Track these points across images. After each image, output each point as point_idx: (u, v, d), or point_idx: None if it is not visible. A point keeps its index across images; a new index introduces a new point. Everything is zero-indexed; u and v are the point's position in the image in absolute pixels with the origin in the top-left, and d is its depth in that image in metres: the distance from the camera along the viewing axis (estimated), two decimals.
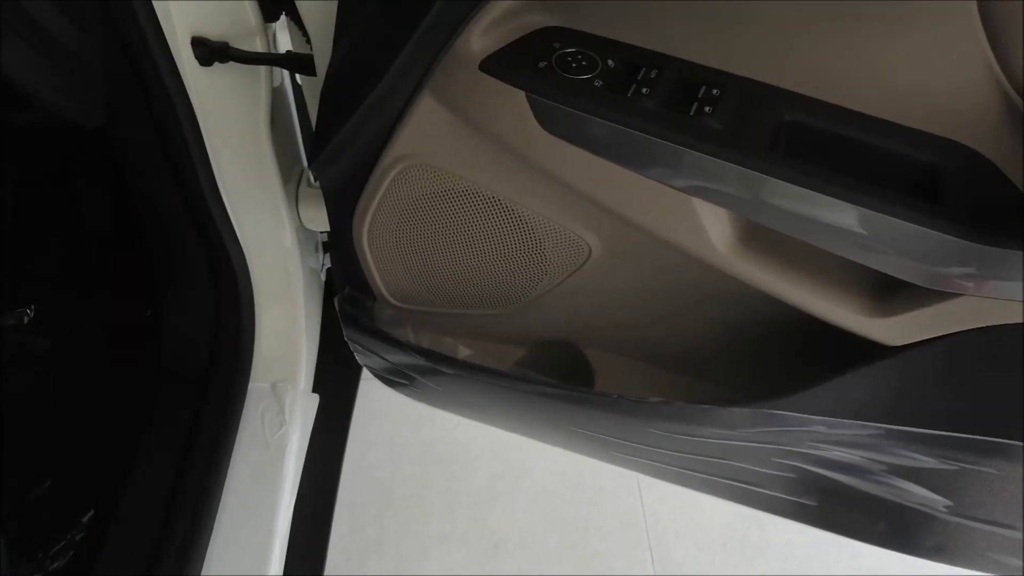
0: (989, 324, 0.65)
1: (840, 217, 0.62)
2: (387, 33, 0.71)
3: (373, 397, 1.83)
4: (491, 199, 0.80)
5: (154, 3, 0.84)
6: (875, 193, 0.61)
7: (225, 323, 1.18)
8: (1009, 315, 0.64)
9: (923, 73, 0.63)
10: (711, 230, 0.69)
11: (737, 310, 0.83)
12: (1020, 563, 0.83)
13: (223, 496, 1.04)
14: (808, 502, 0.86)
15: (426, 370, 0.95)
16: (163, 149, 1.00)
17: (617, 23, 0.71)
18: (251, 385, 1.15)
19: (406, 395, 1.08)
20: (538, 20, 0.72)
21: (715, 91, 0.67)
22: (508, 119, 0.70)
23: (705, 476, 0.89)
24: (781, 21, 0.65)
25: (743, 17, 0.66)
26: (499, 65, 0.69)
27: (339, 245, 0.93)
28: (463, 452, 1.78)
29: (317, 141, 0.81)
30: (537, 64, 0.69)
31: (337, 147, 0.80)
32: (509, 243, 0.83)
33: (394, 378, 1.03)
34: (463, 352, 0.92)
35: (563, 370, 0.95)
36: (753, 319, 0.83)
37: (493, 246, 0.84)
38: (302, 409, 1.14)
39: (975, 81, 0.61)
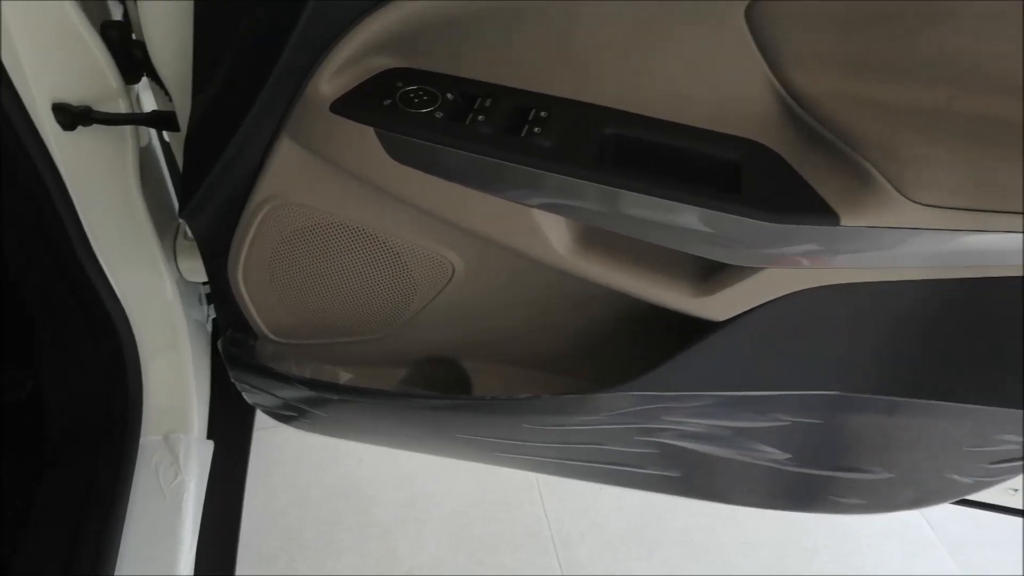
0: (793, 291, 0.76)
1: (659, 213, 0.72)
2: (240, 85, 0.77)
3: (275, 444, 1.85)
4: (356, 229, 0.87)
5: (10, 73, 0.86)
6: (687, 189, 0.71)
7: (110, 382, 1.19)
8: (806, 281, 0.75)
9: (714, 82, 0.73)
10: (551, 236, 0.77)
11: (593, 306, 0.92)
12: (858, 500, 0.94)
13: (121, 550, 1.04)
14: (673, 474, 0.95)
15: (312, 400, 0.99)
16: (32, 216, 1.01)
17: (454, 61, 0.79)
18: (143, 439, 1.16)
19: (299, 428, 1.12)
20: (382, 62, 0.80)
21: (543, 113, 0.76)
22: (361, 154, 0.77)
23: (580, 464, 0.97)
24: (595, 47, 0.74)
25: (561, 46, 0.75)
26: (348, 106, 0.76)
27: (217, 288, 0.97)
28: (369, 486, 1.81)
29: (184, 191, 0.85)
30: (383, 102, 0.76)
31: (204, 195, 0.85)
32: (377, 269, 0.90)
33: (285, 412, 1.07)
34: (345, 377, 0.97)
35: (444, 384, 1.01)
36: (609, 312, 0.92)
37: (363, 274, 0.90)
38: (197, 456, 1.16)
39: (757, 87, 0.72)
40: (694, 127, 0.77)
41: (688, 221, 0.72)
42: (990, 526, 1.80)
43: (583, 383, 0.99)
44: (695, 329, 0.82)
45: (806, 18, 0.67)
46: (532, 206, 0.75)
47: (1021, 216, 0.66)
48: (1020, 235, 0.67)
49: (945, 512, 1.82)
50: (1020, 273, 0.72)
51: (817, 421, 0.86)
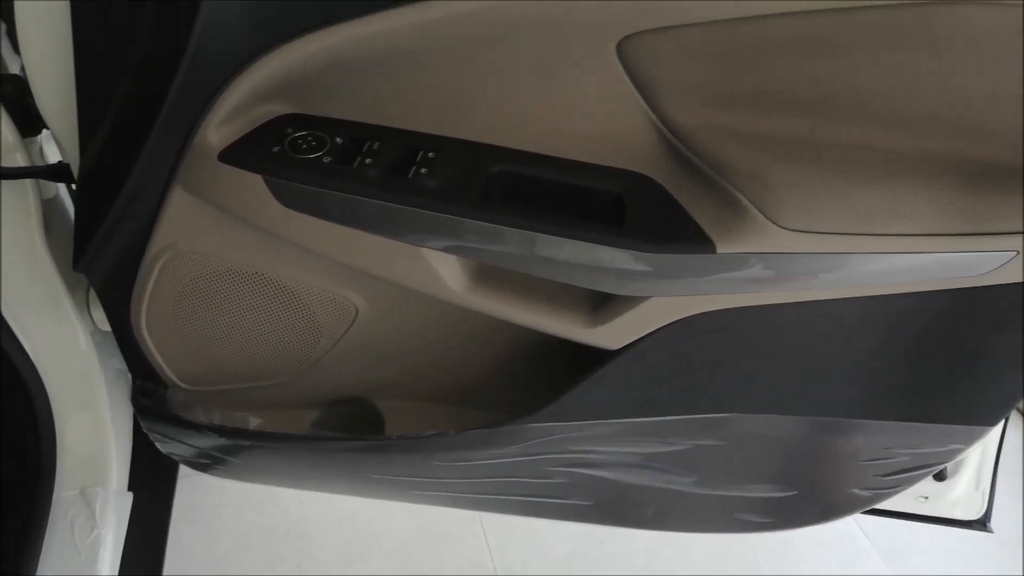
0: (680, 317, 0.78)
1: (544, 248, 0.74)
2: (125, 136, 0.77)
3: (214, 489, 1.82)
4: (256, 275, 0.87)
5: None
6: (570, 224, 0.73)
7: (21, 439, 1.16)
8: (692, 307, 0.78)
9: (595, 117, 0.75)
10: (444, 274, 0.79)
11: (501, 337, 0.93)
12: (765, 518, 0.96)
13: None
14: (586, 502, 0.96)
15: (225, 447, 0.99)
16: None
17: (345, 105, 0.80)
18: (58, 495, 1.13)
19: (217, 476, 1.11)
20: (273, 109, 0.80)
21: (431, 154, 0.77)
22: (251, 202, 0.77)
23: (495, 497, 0.98)
24: (477, 86, 0.76)
25: (445, 87, 0.76)
26: (236, 154, 0.77)
27: (122, 338, 0.96)
28: (310, 527, 1.79)
29: (77, 244, 0.85)
30: (272, 149, 0.77)
31: (98, 246, 0.84)
32: (280, 314, 0.90)
33: (200, 461, 1.06)
34: (255, 423, 0.97)
35: (358, 424, 1.01)
36: (517, 343, 0.94)
37: (266, 319, 0.90)
38: (115, 509, 1.14)
39: (636, 120, 0.74)
40: (578, 161, 0.79)
41: (573, 255, 0.74)
42: (922, 532, 1.84)
43: (497, 415, 1.00)
44: (596, 358, 0.84)
45: (675, 52, 0.70)
46: (422, 246, 0.76)
47: (884, 237, 0.69)
48: (885, 255, 0.70)
49: (879, 520, 1.87)
50: (890, 292, 0.75)
51: (718, 443, 0.88)
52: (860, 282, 0.73)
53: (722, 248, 0.70)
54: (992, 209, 0.68)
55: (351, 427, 1.00)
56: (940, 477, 1.09)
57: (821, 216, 0.68)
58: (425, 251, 0.77)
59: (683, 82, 0.72)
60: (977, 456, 1.13)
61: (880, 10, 0.64)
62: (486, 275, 0.81)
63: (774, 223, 0.69)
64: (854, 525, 1.88)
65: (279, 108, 0.81)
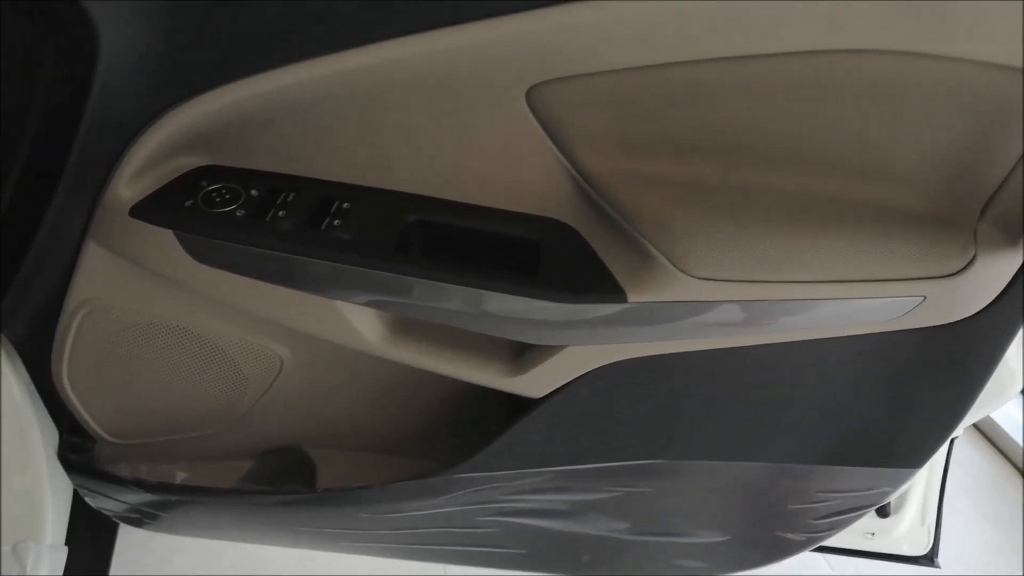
0: (598, 366, 0.77)
1: (458, 300, 0.73)
2: (34, 194, 0.76)
3: (156, 537, 1.78)
4: (176, 328, 0.85)
5: None
6: (483, 274, 0.72)
7: None
8: (609, 356, 0.77)
9: (510, 164, 0.75)
10: (360, 326, 0.78)
11: (430, 386, 0.92)
12: (700, 563, 0.95)
13: None
14: (520, 551, 0.95)
15: (152, 502, 0.97)
16: None
17: (261, 156, 0.79)
18: None
19: (150, 530, 1.08)
20: (189, 161, 0.79)
21: (346, 205, 0.77)
22: (163, 257, 0.76)
23: (427, 547, 0.96)
24: (393, 136, 0.75)
25: (360, 136, 0.76)
26: (148, 209, 0.76)
27: (45, 393, 0.94)
28: (269, 568, 1.75)
29: None
30: (184, 203, 0.76)
31: (13, 302, 0.83)
32: (204, 366, 0.88)
33: (131, 516, 1.04)
34: (183, 476, 0.95)
35: (290, 474, 1.00)
36: (448, 392, 0.93)
37: (190, 371, 0.89)
38: (48, 564, 1.11)
39: (550, 166, 0.74)
40: (496, 209, 0.78)
41: (486, 306, 0.73)
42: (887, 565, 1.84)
43: (431, 464, 0.98)
44: (523, 407, 0.83)
45: (582, 100, 0.70)
46: (336, 299, 0.76)
47: (791, 284, 0.69)
48: (794, 302, 0.70)
49: None
50: (804, 338, 0.74)
51: (648, 490, 0.87)
52: (771, 329, 0.73)
53: (633, 297, 0.70)
54: (896, 255, 0.68)
55: (284, 477, 0.99)
56: (883, 513, 1.08)
57: (728, 264, 0.68)
58: (340, 303, 0.76)
59: (592, 129, 0.72)
60: (921, 492, 1.13)
61: (785, 57, 0.64)
62: (404, 326, 0.80)
63: (682, 272, 0.68)
64: (821, 559, 1.87)
65: (196, 160, 0.80)
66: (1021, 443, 2.09)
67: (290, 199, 0.77)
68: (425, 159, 0.77)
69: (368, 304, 0.76)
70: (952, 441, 1.09)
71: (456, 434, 0.97)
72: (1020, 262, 0.69)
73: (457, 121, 0.73)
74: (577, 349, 0.76)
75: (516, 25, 0.64)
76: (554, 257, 0.75)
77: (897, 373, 0.78)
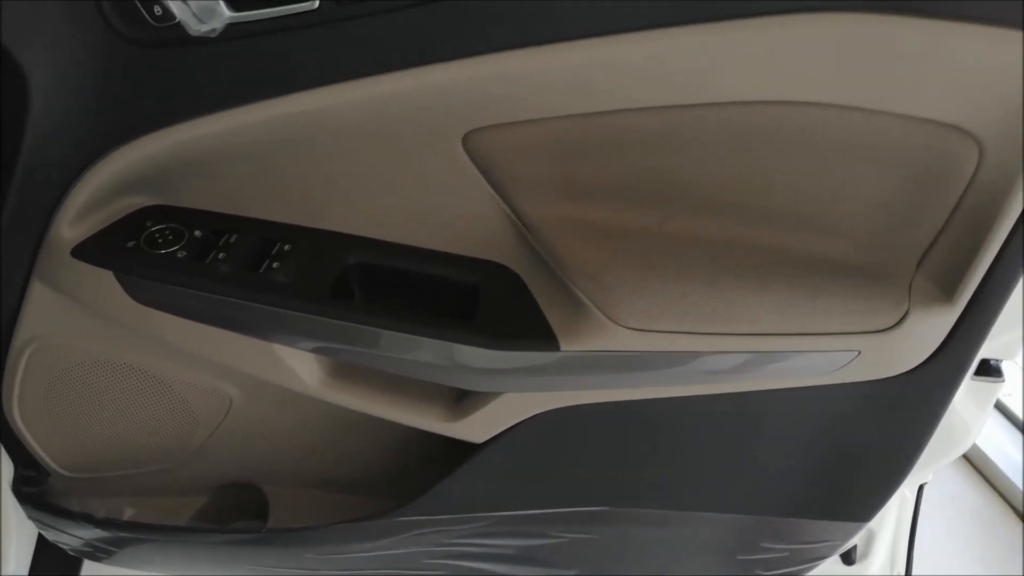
0: (536, 413, 0.77)
1: (391, 346, 0.73)
2: None
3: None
4: (124, 366, 0.86)
5: None
6: (417, 320, 0.72)
7: None
8: (546, 403, 0.76)
9: (452, 207, 0.75)
10: (298, 369, 0.77)
11: (381, 426, 0.91)
12: None
13: None
14: None
15: (103, 538, 0.96)
16: None
17: (208, 196, 0.80)
18: None
19: (109, 563, 1.08)
20: (135, 202, 0.80)
21: (287, 247, 0.77)
22: (104, 297, 0.77)
23: None
24: (336, 178, 0.75)
25: (304, 179, 0.76)
26: (89, 250, 0.76)
27: (1, 427, 0.94)
28: None
29: None
30: (126, 244, 0.76)
31: None
32: (153, 403, 0.88)
33: (86, 550, 1.03)
34: (133, 512, 0.95)
35: (244, 511, 0.99)
36: (399, 431, 0.92)
37: (139, 408, 0.89)
38: None
39: (491, 210, 0.74)
40: (438, 251, 0.78)
41: (420, 352, 0.72)
42: None
43: (383, 504, 0.97)
44: (466, 451, 0.82)
45: (517, 146, 0.69)
46: (272, 341, 0.75)
47: (723, 336, 0.68)
48: (728, 355, 0.69)
49: None
50: (741, 389, 0.73)
51: (593, 536, 0.86)
52: (705, 381, 0.72)
53: (565, 346, 0.69)
54: (830, 309, 0.67)
55: (237, 514, 0.98)
56: (849, 560, 1.06)
57: (658, 315, 0.67)
58: (276, 346, 0.76)
59: (528, 175, 0.72)
60: (889, 539, 1.10)
61: (718, 107, 0.64)
62: (343, 369, 0.80)
63: (613, 321, 0.68)
64: None
65: (144, 200, 0.80)
66: (1021, 486, 2.01)
67: (232, 240, 0.77)
68: (367, 202, 0.77)
69: (303, 348, 0.75)
70: (921, 488, 1.07)
71: (407, 475, 0.96)
72: (956, 317, 0.68)
73: (397, 165, 0.73)
74: (514, 396, 0.75)
75: (451, 72, 0.65)
76: (492, 302, 0.74)
77: (838, 426, 0.77)
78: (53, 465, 0.98)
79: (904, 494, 1.04)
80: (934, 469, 0.90)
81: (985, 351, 0.78)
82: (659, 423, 0.77)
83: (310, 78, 0.66)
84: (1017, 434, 2.21)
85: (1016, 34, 0.55)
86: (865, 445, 0.78)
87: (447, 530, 0.86)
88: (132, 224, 0.79)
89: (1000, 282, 0.65)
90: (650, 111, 0.64)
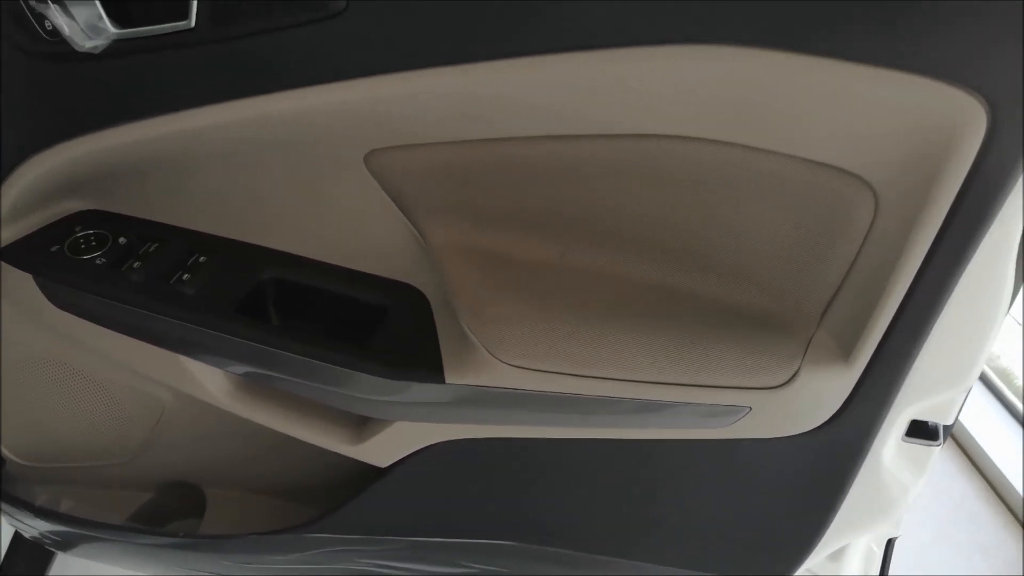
0: (432, 443, 0.75)
1: (286, 367, 0.72)
2: None
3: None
4: (61, 364, 0.88)
5: None
6: (311, 342, 0.71)
7: None
8: (443, 434, 0.74)
9: (365, 226, 0.74)
10: (205, 381, 0.77)
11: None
12: None
13: None
14: None
15: (52, 529, 0.99)
16: None
17: (140, 202, 0.80)
18: None
19: (67, 554, 1.11)
20: (74, 205, 0.81)
21: (202, 258, 0.77)
22: (27, 300, 0.78)
23: None
24: (256, 191, 0.75)
25: (226, 190, 0.76)
26: (15, 252, 0.78)
27: None
28: None
29: None
30: (50, 248, 0.78)
31: None
32: (91, 402, 0.90)
33: (42, 539, 1.07)
34: (67, 505, 0.97)
35: (185, 511, 1.01)
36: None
37: (78, 405, 0.91)
38: None
39: (401, 230, 0.72)
40: (355, 271, 0.77)
41: (313, 375, 0.71)
42: None
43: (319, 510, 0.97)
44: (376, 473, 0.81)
45: (414, 168, 0.68)
46: (177, 352, 0.76)
47: (606, 381, 0.64)
48: (614, 400, 0.65)
49: None
50: (629, 436, 0.69)
51: (502, 571, 0.83)
52: (592, 424, 0.69)
53: (450, 379, 0.67)
54: (720, 360, 0.63)
55: (178, 513, 1.00)
56: None
57: (539, 354, 0.64)
58: (182, 358, 0.76)
59: (428, 198, 0.70)
60: None
61: (613, 140, 0.60)
62: (252, 383, 0.79)
63: (495, 357, 0.65)
64: None
65: (79, 204, 0.82)
66: (1021, 492, 1.88)
67: (151, 250, 0.78)
68: (285, 217, 0.76)
69: (207, 362, 0.75)
70: (890, 542, 0.99)
71: (345, 485, 0.95)
72: (855, 378, 0.62)
73: (307, 181, 0.72)
74: (407, 425, 0.73)
75: (352, 91, 0.63)
76: (393, 327, 0.73)
77: (739, 481, 0.72)
78: (7, 451, 1.01)
79: (871, 548, 0.97)
80: (875, 532, 0.83)
81: (919, 412, 0.72)
82: (556, 462, 0.74)
83: (198, 95, 0.65)
84: (1017, 428, 2.06)
85: (909, 78, 0.49)
86: (771, 503, 0.73)
87: (359, 550, 0.84)
88: (61, 228, 0.80)
89: (902, 342, 0.59)
90: (537, 140, 0.61)
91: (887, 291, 0.56)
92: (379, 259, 0.75)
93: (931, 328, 0.58)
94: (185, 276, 0.75)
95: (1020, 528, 1.93)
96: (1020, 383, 2.12)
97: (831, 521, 0.72)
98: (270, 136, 0.68)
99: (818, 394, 0.63)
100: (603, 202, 0.65)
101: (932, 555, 1.79)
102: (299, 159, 0.70)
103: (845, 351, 0.61)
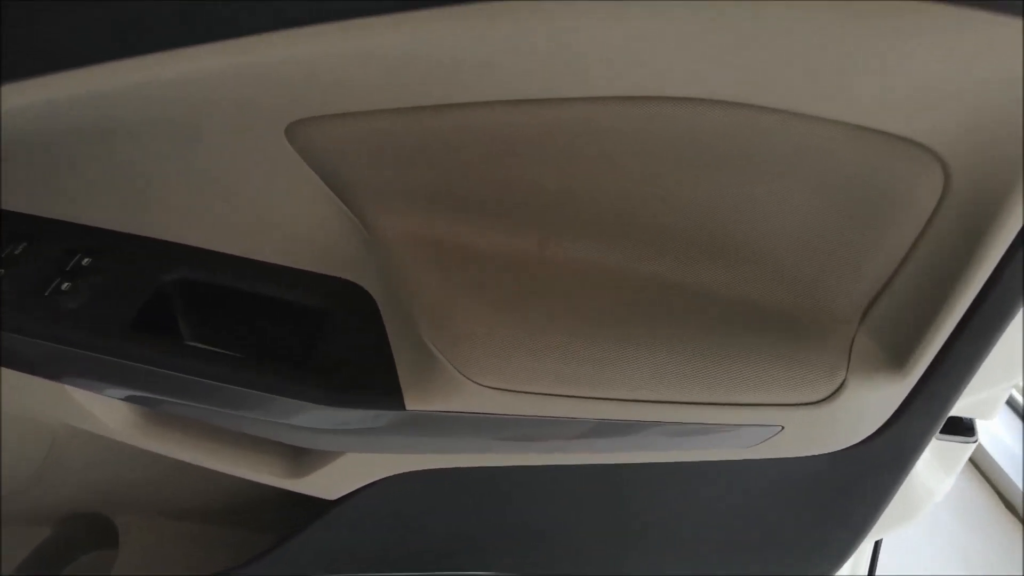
0: (387, 475, 0.62)
1: (202, 395, 0.58)
2: None
3: None
4: None
5: None
6: (234, 365, 0.57)
7: None
8: (400, 466, 0.62)
9: (290, 212, 0.59)
10: (100, 413, 0.63)
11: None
12: None
13: None
14: None
15: None
16: None
17: (8, 192, 0.64)
18: None
19: None
20: None
21: (85, 260, 0.61)
22: None
23: None
24: (151, 171, 0.59)
25: (114, 168, 0.60)
26: None
27: None
28: None
29: None
30: None
31: None
32: None
33: None
34: None
35: (96, 542, 0.87)
36: None
37: None
38: None
39: (335, 217, 0.58)
40: (280, 266, 0.63)
41: (240, 404, 0.58)
42: None
43: (242, 537, 0.85)
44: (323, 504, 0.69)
45: (354, 140, 0.53)
46: (62, 382, 0.61)
47: (603, 402, 0.53)
48: (610, 423, 0.54)
49: None
50: (627, 461, 0.59)
51: None
52: (584, 449, 0.57)
53: (412, 405, 0.54)
54: (744, 374, 0.52)
55: (87, 545, 0.86)
56: None
57: (519, 373, 0.52)
58: (69, 388, 0.61)
59: (366, 178, 0.56)
60: None
61: (601, 104, 0.47)
62: (158, 412, 0.65)
63: (466, 377, 0.53)
64: None
65: None
66: (1022, 488, 1.82)
67: (18, 252, 0.62)
68: (191, 204, 0.61)
69: (98, 392, 0.61)
70: (877, 544, 0.93)
71: (271, 506, 0.83)
72: (907, 390, 0.52)
73: (218, 160, 0.57)
74: (359, 456, 0.61)
75: (265, 49, 0.48)
76: (335, 337, 0.59)
77: (758, 503, 0.63)
78: None
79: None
80: (891, 531, 0.75)
81: (960, 409, 0.63)
82: (546, 489, 0.63)
83: (66, 57, 0.49)
84: (1018, 423, 2.03)
85: (998, 18, 0.37)
86: (793, 527, 0.64)
87: None
88: None
89: (970, 348, 0.49)
90: (504, 106, 0.48)
91: (956, 288, 0.45)
92: (311, 253, 0.61)
93: (1006, 328, 0.48)
94: (64, 285, 0.60)
95: (1020, 525, 1.88)
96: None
97: (863, 538, 0.64)
98: (161, 106, 0.52)
99: (863, 408, 0.53)
100: (590, 180, 0.52)
101: (929, 551, 1.72)
102: (205, 133, 0.54)
103: (896, 359, 0.51)
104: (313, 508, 0.70)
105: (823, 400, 0.51)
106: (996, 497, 1.88)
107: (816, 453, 0.56)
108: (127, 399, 0.60)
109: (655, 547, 0.69)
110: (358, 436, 0.58)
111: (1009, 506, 1.83)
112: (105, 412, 0.63)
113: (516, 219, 0.55)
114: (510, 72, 0.45)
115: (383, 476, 0.62)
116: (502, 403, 0.53)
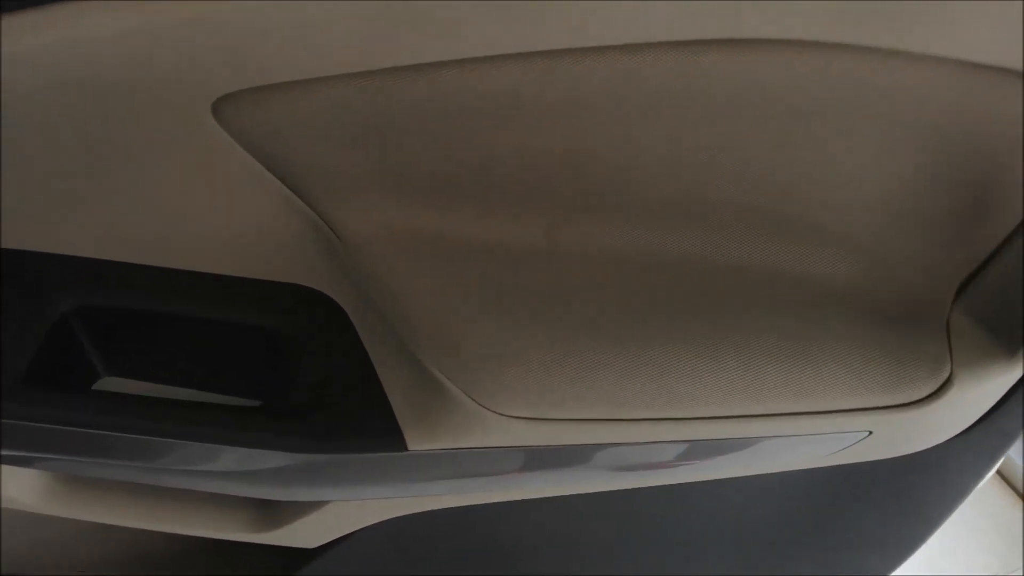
0: (374, 522, 0.51)
1: (132, 452, 0.45)
2: None
3: None
4: None
5: None
6: (167, 413, 0.45)
7: None
8: (393, 510, 0.51)
9: (228, 209, 0.46)
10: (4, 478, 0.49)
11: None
12: None
13: None
14: None
15: None
16: None
17: None
18: None
19: None
20: None
21: None
22: None
23: None
24: (40, 164, 0.45)
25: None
26: None
27: None
28: None
29: None
30: None
31: None
32: None
33: None
34: None
35: None
36: None
37: None
38: None
39: (285, 212, 0.46)
40: (219, 276, 0.49)
41: (186, 460, 0.45)
42: None
43: None
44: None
45: (302, 118, 0.41)
46: None
47: (654, 423, 0.42)
48: (667, 445, 0.44)
49: None
50: (682, 480, 0.49)
51: None
52: (630, 478, 0.48)
53: (416, 444, 0.43)
54: (824, 377, 0.42)
55: None
56: None
57: (551, 397, 0.41)
58: None
59: (323, 163, 0.44)
60: None
61: (629, 53, 0.36)
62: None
63: (489, 409, 0.42)
64: None
65: None
66: (1021, 463, 1.77)
67: None
68: (95, 204, 0.46)
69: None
70: None
71: (228, 549, 0.71)
72: (1018, 377, 0.44)
73: (131, 147, 0.43)
74: (340, 505, 0.50)
75: (178, 8, 0.35)
76: (299, 359, 0.47)
77: (822, 505, 0.54)
78: None
79: None
80: None
81: None
82: (521, 530, 0.54)
83: None
84: None
85: None
86: (854, 528, 0.56)
87: None
88: None
89: None
90: (498, 61, 0.37)
91: None
92: (260, 256, 0.49)
93: None
94: None
95: (1020, 501, 1.85)
96: None
97: (930, 537, 0.57)
98: (46, 77, 0.38)
99: (967, 404, 0.45)
100: (613, 143, 0.41)
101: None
102: (109, 114, 0.41)
103: (1002, 344, 0.42)
104: (287, 556, 0.59)
105: (921, 400, 0.42)
106: (995, 474, 1.86)
107: (897, 455, 0.48)
108: (31, 464, 0.46)
109: (702, 556, 0.60)
110: (346, 486, 0.46)
111: (1008, 482, 1.83)
112: (8, 480, 0.49)
113: (514, 204, 0.44)
114: (507, 17, 0.34)
115: (375, 522, 0.51)
116: (539, 435, 0.42)
